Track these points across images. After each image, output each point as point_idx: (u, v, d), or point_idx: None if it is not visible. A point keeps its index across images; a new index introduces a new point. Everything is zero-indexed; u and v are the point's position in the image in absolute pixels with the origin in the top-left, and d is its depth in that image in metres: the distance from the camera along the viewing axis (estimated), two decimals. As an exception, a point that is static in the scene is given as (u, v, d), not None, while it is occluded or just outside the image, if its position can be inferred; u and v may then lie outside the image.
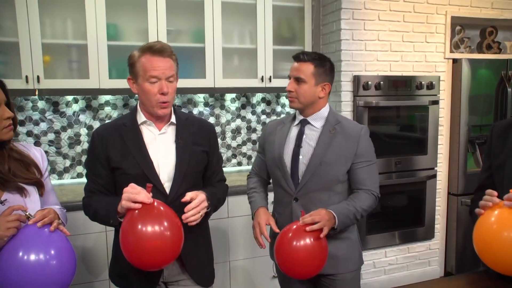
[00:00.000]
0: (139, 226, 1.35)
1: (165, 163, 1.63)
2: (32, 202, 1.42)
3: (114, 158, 1.60)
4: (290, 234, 1.59)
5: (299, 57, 1.80)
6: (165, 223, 1.37)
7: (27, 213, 1.32)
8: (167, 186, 1.61)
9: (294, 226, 1.61)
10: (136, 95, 3.17)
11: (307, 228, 1.57)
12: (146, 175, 1.57)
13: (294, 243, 1.56)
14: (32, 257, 1.23)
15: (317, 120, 1.83)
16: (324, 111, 1.84)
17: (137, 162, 1.58)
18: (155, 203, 1.42)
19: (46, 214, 1.34)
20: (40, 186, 1.49)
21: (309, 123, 1.84)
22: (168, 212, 1.42)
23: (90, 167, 1.66)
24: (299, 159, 1.80)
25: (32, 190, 1.46)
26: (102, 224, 1.61)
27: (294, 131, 1.87)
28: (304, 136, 1.83)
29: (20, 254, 1.23)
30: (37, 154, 1.56)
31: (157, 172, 1.60)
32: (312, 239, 1.56)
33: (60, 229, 1.36)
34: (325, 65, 1.79)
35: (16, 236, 1.28)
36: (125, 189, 1.42)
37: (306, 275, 1.64)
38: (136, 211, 1.38)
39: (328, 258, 1.67)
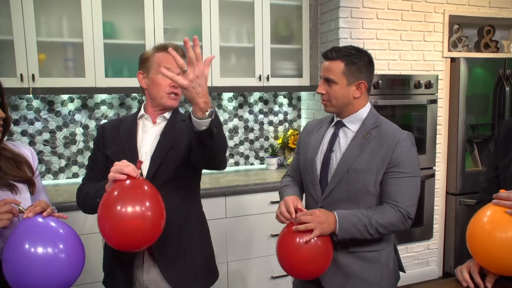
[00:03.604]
0: (118, 200, 1.30)
1: (146, 146, 1.65)
2: (22, 199, 1.40)
3: (107, 144, 1.67)
4: (283, 232, 1.56)
5: (327, 55, 1.62)
6: (146, 202, 1.32)
7: (20, 207, 1.31)
8: (144, 167, 1.60)
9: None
10: (133, 94, 3.22)
11: (293, 227, 1.50)
12: (127, 156, 1.57)
13: (283, 241, 1.54)
14: (40, 249, 1.21)
15: (354, 123, 1.66)
16: (363, 112, 1.66)
17: (123, 148, 1.62)
18: (144, 184, 1.38)
19: (36, 204, 1.32)
20: (31, 184, 1.47)
21: (344, 125, 1.67)
22: (151, 191, 1.38)
23: (91, 156, 1.74)
24: (330, 164, 1.65)
25: (22, 188, 1.44)
26: (91, 209, 1.58)
27: (329, 133, 1.71)
28: (337, 140, 1.67)
29: (27, 246, 1.21)
30: (28, 153, 1.55)
31: (138, 153, 1.62)
32: (296, 240, 1.48)
33: (56, 216, 1.34)
34: (358, 61, 1.59)
35: (20, 227, 1.25)
36: (116, 163, 1.41)
37: (299, 275, 1.58)
38: (116, 191, 1.33)
39: (339, 272, 1.62)
